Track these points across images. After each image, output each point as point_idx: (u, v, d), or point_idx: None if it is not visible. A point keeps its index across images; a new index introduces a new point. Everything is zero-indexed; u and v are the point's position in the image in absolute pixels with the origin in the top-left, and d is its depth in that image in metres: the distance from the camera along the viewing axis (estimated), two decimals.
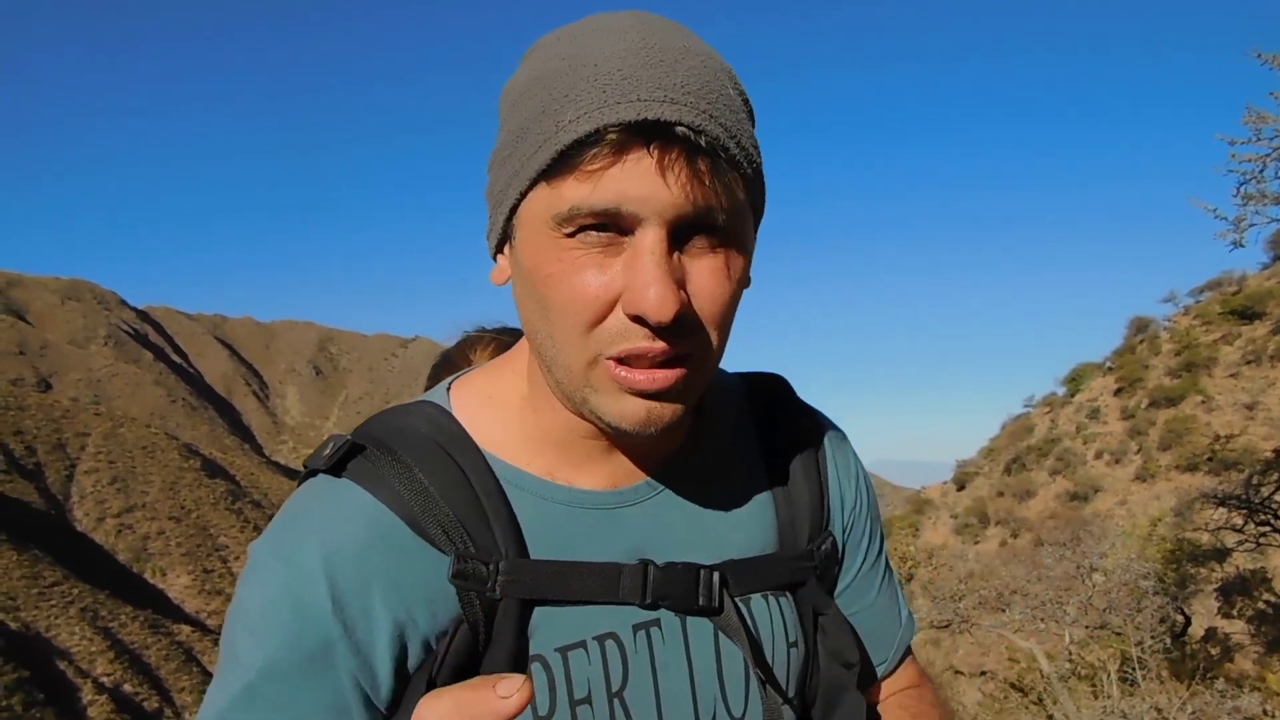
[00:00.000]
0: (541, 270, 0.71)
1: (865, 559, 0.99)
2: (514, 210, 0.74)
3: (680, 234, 0.70)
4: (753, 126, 0.74)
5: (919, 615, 14.67)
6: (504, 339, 1.47)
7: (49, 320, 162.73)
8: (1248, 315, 34.96)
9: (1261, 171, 6.99)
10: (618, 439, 0.82)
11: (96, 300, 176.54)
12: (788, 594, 0.90)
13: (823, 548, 0.92)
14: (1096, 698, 10.58)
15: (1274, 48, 6.59)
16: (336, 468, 0.78)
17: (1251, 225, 7.58)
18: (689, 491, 0.88)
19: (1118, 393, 37.62)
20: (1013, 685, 13.58)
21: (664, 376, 0.71)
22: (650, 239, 0.68)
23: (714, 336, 0.74)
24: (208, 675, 73.80)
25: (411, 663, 0.75)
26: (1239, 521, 14.37)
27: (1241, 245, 7.69)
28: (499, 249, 0.79)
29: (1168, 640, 12.32)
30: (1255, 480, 15.08)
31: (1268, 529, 13.91)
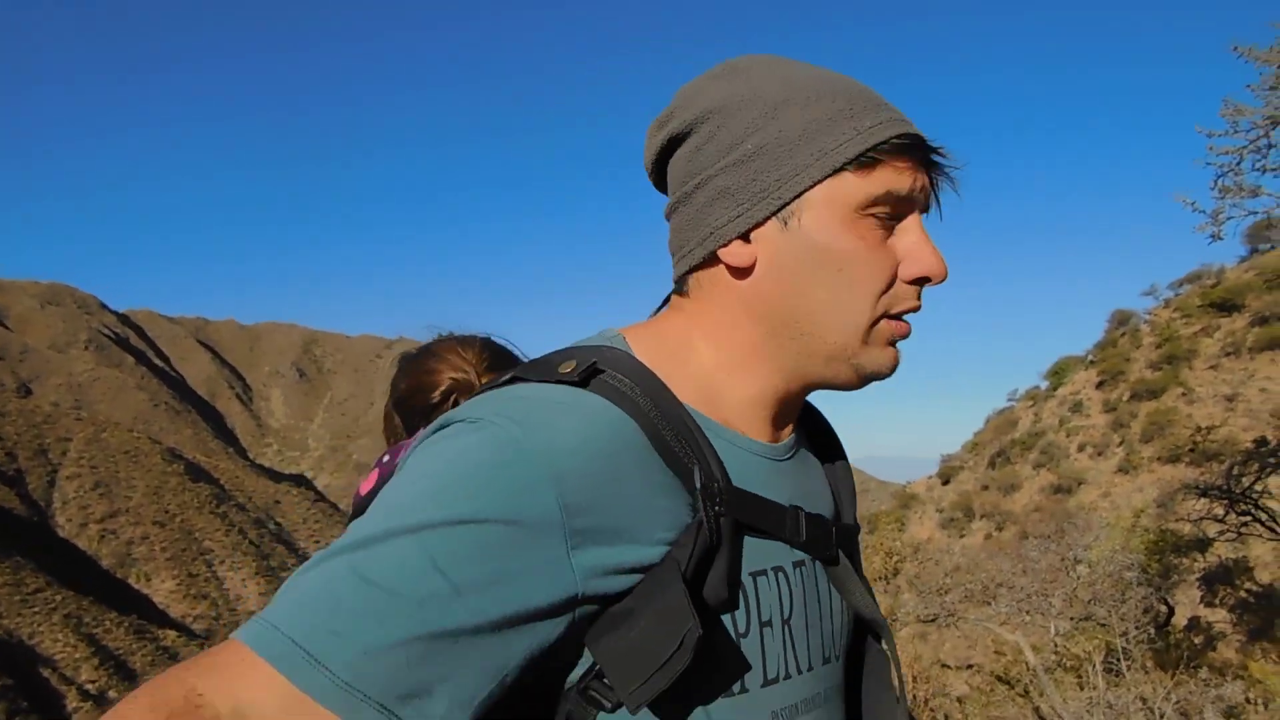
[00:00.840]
0: (840, 244, 0.85)
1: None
2: (797, 195, 0.85)
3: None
4: None
5: (905, 609, 14.75)
6: (492, 343, 1.49)
7: (29, 325, 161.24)
8: (1226, 308, 35.28)
9: (1239, 164, 7.04)
10: (788, 403, 0.94)
11: (77, 304, 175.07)
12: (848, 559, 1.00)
13: (858, 525, 1.05)
14: (1082, 689, 10.64)
15: (1251, 41, 6.65)
16: (582, 383, 0.82)
17: (1229, 218, 7.65)
18: (805, 460, 1.00)
19: (1100, 386, 37.89)
20: (999, 678, 13.63)
21: (909, 326, 0.90)
22: (919, 221, 0.88)
23: None
24: None
25: (634, 562, 0.76)
26: (1220, 512, 14.51)
27: (1220, 238, 7.76)
28: (741, 236, 0.88)
29: (1152, 630, 12.41)
30: (1235, 471, 15.23)
31: (1248, 518, 14.05)
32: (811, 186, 0.84)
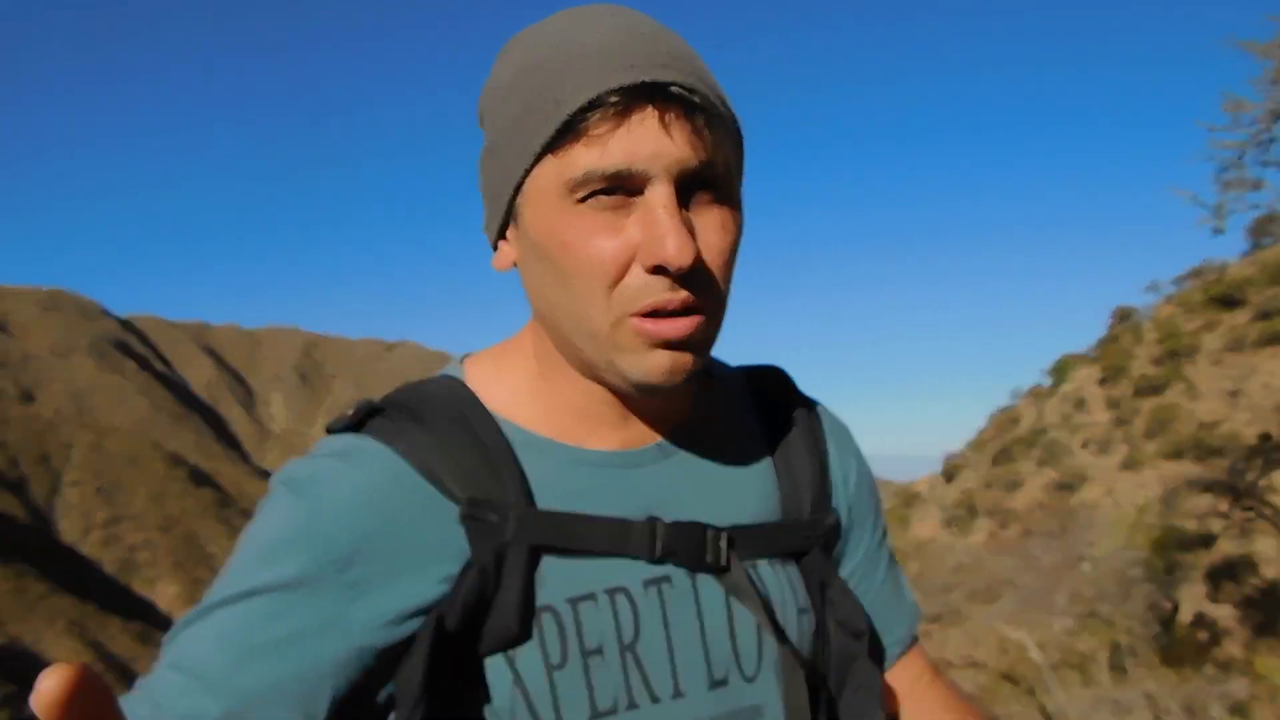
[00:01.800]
0: (556, 239, 0.74)
1: (870, 539, 1.01)
2: (517, 191, 0.77)
3: (684, 190, 0.73)
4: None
5: None
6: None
7: (30, 331, 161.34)
8: (1229, 303, 35.23)
9: (1240, 158, 7.03)
10: (633, 402, 0.85)
11: (78, 310, 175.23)
12: (794, 562, 0.91)
13: (826, 521, 0.94)
14: (1087, 686, 10.63)
15: (1252, 35, 6.64)
16: (357, 426, 0.81)
17: (1232, 212, 7.64)
18: (697, 457, 0.89)
19: (1102, 382, 37.86)
20: (1004, 676, 13.62)
21: (685, 324, 0.74)
22: (661, 193, 0.72)
23: (722, 286, 0.78)
24: None
25: (417, 604, 0.76)
26: (1224, 507, 14.51)
27: (1222, 231, 7.74)
28: (500, 236, 0.82)
29: (1157, 627, 12.41)
30: (1239, 466, 15.23)
31: (1252, 514, 14.04)
32: (521, 181, 0.76)
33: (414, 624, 0.75)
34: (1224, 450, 17.55)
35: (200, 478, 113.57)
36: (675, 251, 0.70)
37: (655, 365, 0.75)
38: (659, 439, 0.88)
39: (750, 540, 0.87)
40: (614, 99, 0.69)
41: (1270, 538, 15.29)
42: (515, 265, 0.83)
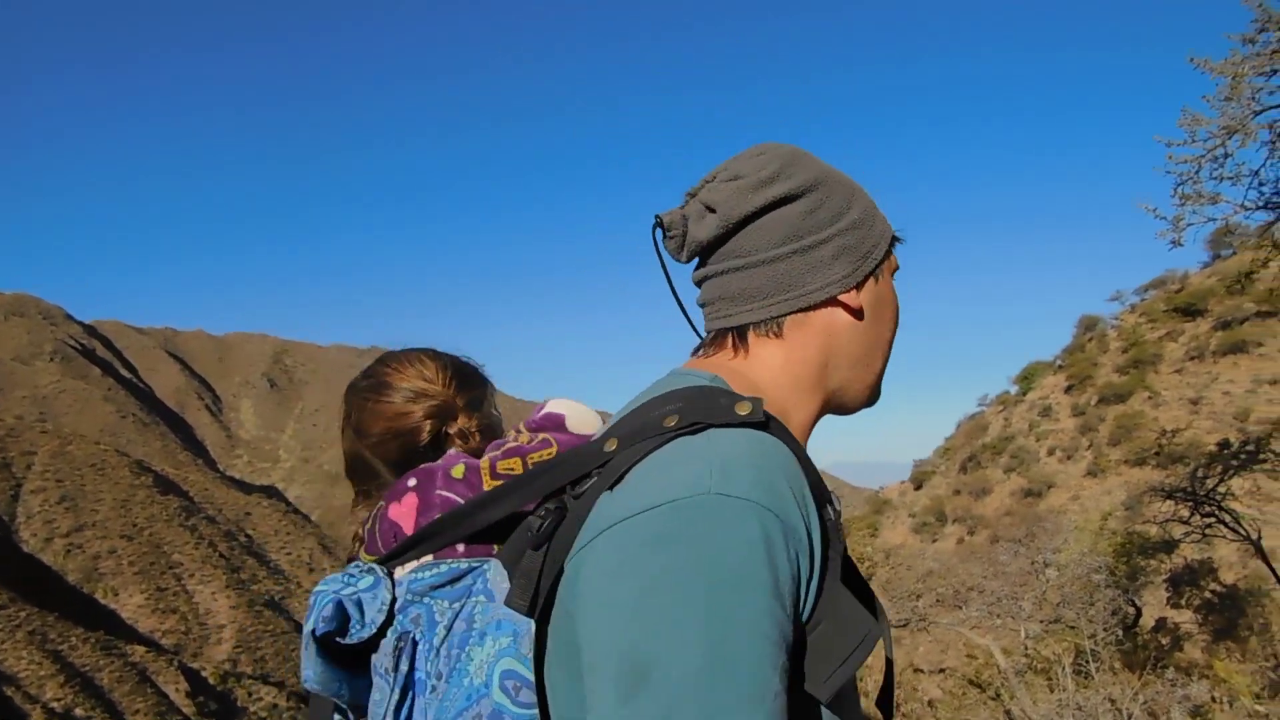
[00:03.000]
0: (893, 298, 1.11)
1: None
2: (883, 259, 1.09)
3: None
4: None
5: None
6: (442, 354, 1.44)
7: None
8: (1190, 312, 35.83)
9: (1197, 172, 7.18)
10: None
11: (42, 315, 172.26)
12: None
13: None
14: (1052, 691, 10.73)
15: (1207, 53, 6.79)
16: (763, 425, 0.91)
17: (1189, 225, 7.80)
18: None
19: (1068, 390, 38.34)
20: (971, 681, 13.73)
21: None
22: None
23: None
24: (163, 696, 72.01)
25: (817, 579, 0.85)
26: (1185, 514, 14.72)
27: (1180, 244, 7.90)
28: (855, 287, 1.07)
29: (1120, 632, 12.56)
30: (1200, 473, 15.46)
31: (1213, 520, 14.26)
32: (887, 253, 1.09)
33: (813, 590, 0.84)
34: (1185, 457, 17.83)
35: (166, 485, 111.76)
36: None
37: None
38: None
39: None
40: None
41: (1230, 543, 15.54)
42: (861, 307, 1.07)
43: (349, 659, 1.11)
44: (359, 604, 1.08)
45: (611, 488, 0.86)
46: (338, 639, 1.08)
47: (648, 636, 0.73)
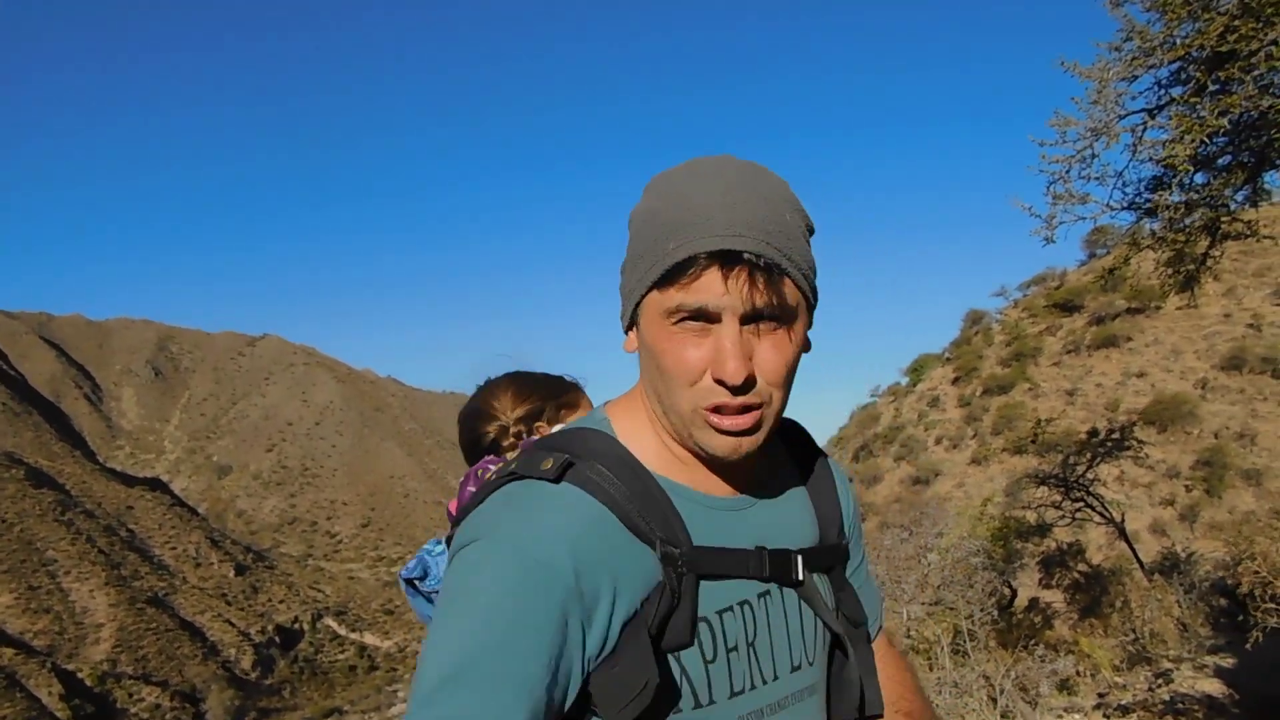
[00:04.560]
0: (658, 347, 1.04)
1: (862, 556, 1.37)
2: (638, 305, 1.06)
3: (751, 318, 1.01)
4: (808, 240, 1.07)
5: None
6: (518, 380, 1.79)
7: None
8: (1068, 308, 37.70)
9: (1067, 172, 7.51)
10: (715, 464, 1.12)
11: None
12: (825, 573, 1.24)
13: (843, 544, 1.28)
14: (932, 669, 11.13)
15: (1075, 55, 7.10)
16: (558, 478, 1.03)
17: (1061, 223, 8.16)
18: (772, 500, 1.20)
19: (955, 381, 39.83)
20: None
21: (741, 421, 1.03)
22: (727, 327, 1.00)
23: (777, 392, 1.05)
24: (34, 700, 68.45)
25: (621, 618, 0.99)
26: (1058, 499, 15.50)
27: (1052, 241, 8.23)
28: (628, 329, 1.11)
29: (995, 612, 13.11)
30: (1072, 460, 16.30)
31: (1082, 504, 15.05)
32: (641, 299, 1.05)
33: (616, 630, 0.98)
34: (1059, 445, 18.77)
35: (39, 478, 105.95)
36: (731, 372, 0.99)
37: (720, 444, 1.05)
38: (745, 488, 1.16)
39: (810, 560, 1.18)
40: (702, 258, 0.98)
41: (1097, 526, 16.44)
42: (636, 350, 1.11)
43: None
44: (428, 565, 1.50)
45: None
46: (421, 585, 1.49)
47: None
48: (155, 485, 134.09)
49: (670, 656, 1.02)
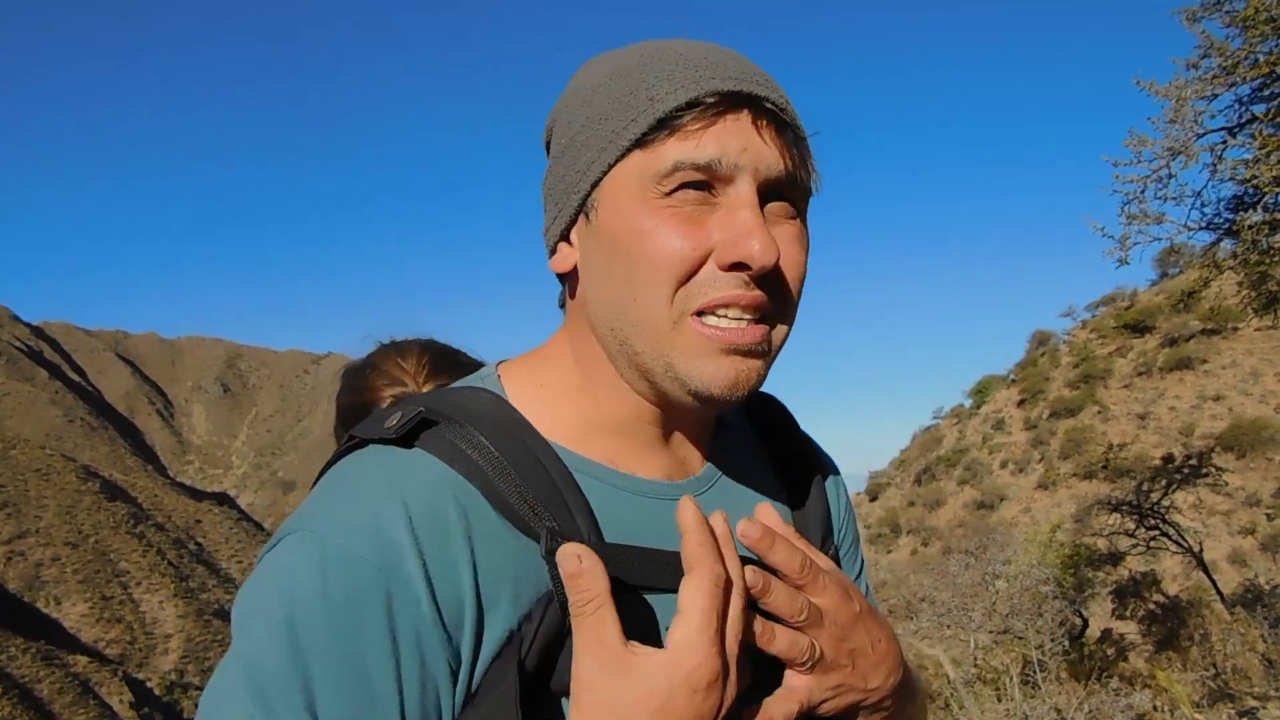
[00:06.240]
0: (634, 228, 0.73)
1: (856, 558, 1.06)
2: (594, 186, 0.76)
3: (764, 197, 0.74)
4: None
5: None
6: (434, 348, 1.45)
7: None
8: (1139, 329, 36.69)
9: (1143, 192, 7.35)
10: (675, 420, 0.84)
11: None
12: None
13: (830, 549, 0.97)
14: (1000, 700, 10.87)
15: (1152, 75, 6.96)
16: (406, 439, 0.74)
17: (1136, 244, 7.98)
18: (729, 492, 0.90)
19: (1020, 404, 39.00)
20: None
21: (755, 331, 0.74)
22: (745, 192, 0.72)
23: (793, 301, 0.78)
24: (105, 708, 70.42)
25: (493, 643, 0.70)
26: (1131, 526, 15.05)
27: (1127, 263, 8.08)
28: (563, 238, 0.82)
29: (1066, 642, 12.76)
30: (1145, 487, 15.82)
31: (1157, 533, 14.58)
32: (604, 174, 0.76)
33: (486, 654, 0.70)
34: (1132, 471, 18.25)
35: (114, 491, 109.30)
36: (760, 249, 0.71)
37: (718, 372, 0.74)
38: (697, 470, 0.88)
39: None
40: (711, 99, 0.72)
41: (1173, 555, 15.91)
42: (575, 267, 0.81)
43: None
44: None
45: None
46: None
47: None
48: (223, 500, 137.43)
49: (565, 702, 0.71)
